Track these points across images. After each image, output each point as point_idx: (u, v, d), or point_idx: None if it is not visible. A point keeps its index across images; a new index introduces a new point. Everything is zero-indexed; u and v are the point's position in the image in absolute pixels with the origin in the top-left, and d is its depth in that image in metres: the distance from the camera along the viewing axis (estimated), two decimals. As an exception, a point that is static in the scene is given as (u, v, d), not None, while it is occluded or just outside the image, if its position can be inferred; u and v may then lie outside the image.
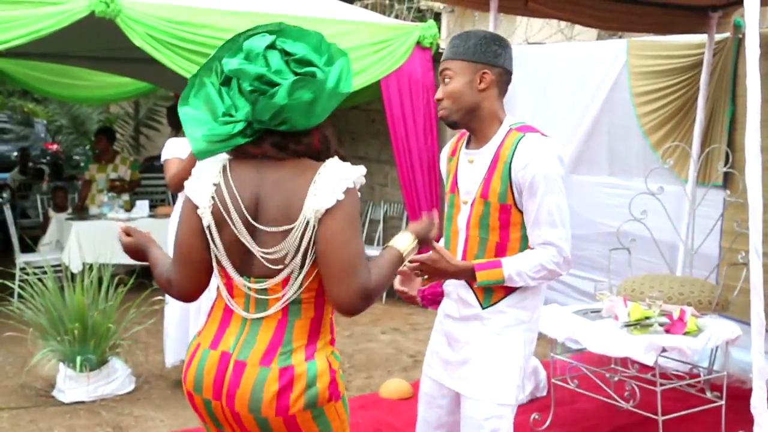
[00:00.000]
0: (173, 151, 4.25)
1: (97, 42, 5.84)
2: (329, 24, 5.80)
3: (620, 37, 5.76)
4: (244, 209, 1.78)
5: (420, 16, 7.82)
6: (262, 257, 1.78)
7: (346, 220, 1.74)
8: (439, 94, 2.35)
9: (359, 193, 1.81)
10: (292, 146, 1.80)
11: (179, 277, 1.89)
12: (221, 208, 1.79)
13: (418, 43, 6.23)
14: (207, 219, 1.80)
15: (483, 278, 2.26)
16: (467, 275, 2.29)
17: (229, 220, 1.79)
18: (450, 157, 2.49)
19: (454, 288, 2.39)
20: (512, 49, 2.37)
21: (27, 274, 4.72)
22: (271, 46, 1.76)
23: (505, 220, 2.29)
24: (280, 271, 1.78)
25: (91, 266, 4.48)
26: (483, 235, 2.32)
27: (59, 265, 5.87)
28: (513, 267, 2.25)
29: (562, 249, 2.27)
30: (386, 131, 6.47)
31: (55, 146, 13.64)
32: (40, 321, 4.27)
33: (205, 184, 1.82)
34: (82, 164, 9.43)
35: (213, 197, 1.80)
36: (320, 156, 1.82)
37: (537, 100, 5.61)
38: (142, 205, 6.84)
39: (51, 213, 7.29)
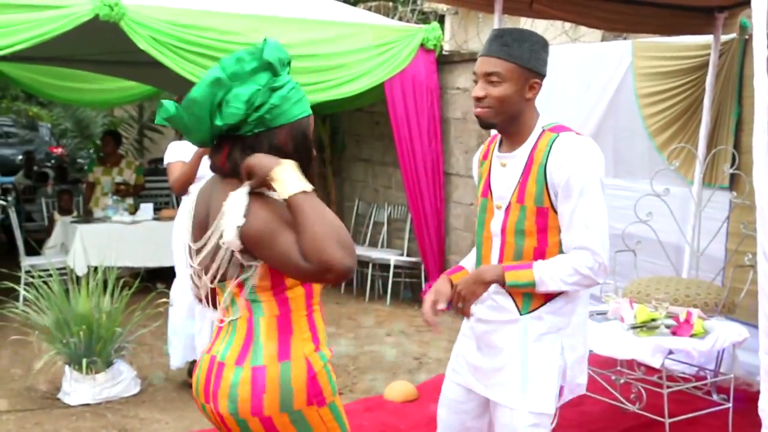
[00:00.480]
0: (176, 154, 4.26)
1: (101, 45, 5.85)
2: (333, 26, 5.81)
3: (625, 39, 5.73)
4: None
5: (423, 18, 7.79)
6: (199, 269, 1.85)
7: (259, 234, 1.69)
8: (480, 92, 2.19)
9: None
10: (212, 162, 1.85)
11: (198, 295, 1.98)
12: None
13: (422, 45, 6.23)
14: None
15: (512, 278, 2.16)
16: (497, 277, 2.18)
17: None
18: (482, 160, 2.39)
19: (488, 293, 2.26)
20: None
21: (32, 277, 4.72)
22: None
23: (542, 223, 2.19)
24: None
25: (96, 269, 4.49)
26: (519, 241, 2.21)
27: (64, 268, 5.89)
28: (545, 270, 2.14)
29: (598, 254, 2.13)
30: (390, 133, 6.47)
31: (59, 150, 13.66)
32: (46, 324, 4.28)
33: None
34: (86, 167, 9.45)
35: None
36: (233, 175, 1.78)
37: (541, 102, 5.55)
38: (147, 208, 6.85)
39: (56, 216, 7.30)
